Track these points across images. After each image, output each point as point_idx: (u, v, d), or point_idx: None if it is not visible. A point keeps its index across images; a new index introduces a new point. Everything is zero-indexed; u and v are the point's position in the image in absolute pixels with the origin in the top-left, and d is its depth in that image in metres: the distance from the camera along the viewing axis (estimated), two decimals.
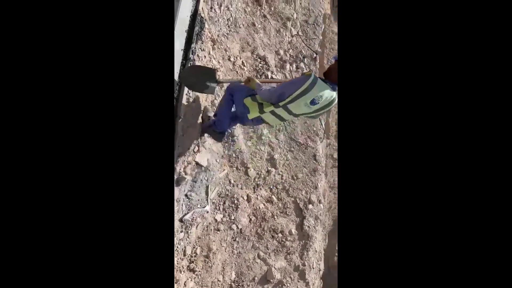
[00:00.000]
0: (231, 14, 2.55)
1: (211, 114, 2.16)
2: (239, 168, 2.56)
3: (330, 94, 1.56)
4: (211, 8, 2.29)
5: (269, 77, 2.85)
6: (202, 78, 1.77)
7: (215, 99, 2.31)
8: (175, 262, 1.88)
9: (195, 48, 1.99)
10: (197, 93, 2.06)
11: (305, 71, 3.15)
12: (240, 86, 1.83)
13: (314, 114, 1.67)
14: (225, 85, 2.12)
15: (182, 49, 1.91)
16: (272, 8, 3.15)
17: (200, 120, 2.12)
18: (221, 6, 2.40)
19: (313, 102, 1.54)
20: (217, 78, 1.77)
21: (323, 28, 3.78)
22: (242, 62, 2.62)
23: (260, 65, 2.82)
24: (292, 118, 1.73)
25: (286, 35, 3.25)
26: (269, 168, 2.79)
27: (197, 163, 2.13)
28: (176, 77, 1.86)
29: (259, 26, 2.93)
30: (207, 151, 2.23)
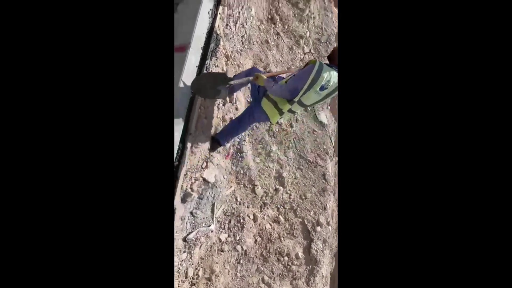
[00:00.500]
0: (245, 31, 2.57)
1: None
2: (246, 185, 2.49)
3: (337, 78, 1.57)
4: (227, 25, 2.31)
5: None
6: (214, 85, 1.79)
7: (226, 114, 2.29)
8: (176, 285, 1.79)
9: (209, 64, 1.98)
10: (210, 110, 2.05)
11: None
12: (255, 94, 1.88)
13: (323, 100, 1.70)
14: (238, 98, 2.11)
15: (196, 66, 1.90)
16: (286, 26, 3.17)
17: (210, 136, 2.09)
18: (236, 23, 2.42)
19: (322, 88, 1.58)
20: (228, 81, 1.79)
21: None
22: None
23: None
24: (303, 109, 1.74)
25: (298, 52, 3.25)
26: (277, 187, 2.72)
27: (204, 180, 2.07)
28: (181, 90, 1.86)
29: (273, 43, 2.94)
30: (215, 167, 2.18)
